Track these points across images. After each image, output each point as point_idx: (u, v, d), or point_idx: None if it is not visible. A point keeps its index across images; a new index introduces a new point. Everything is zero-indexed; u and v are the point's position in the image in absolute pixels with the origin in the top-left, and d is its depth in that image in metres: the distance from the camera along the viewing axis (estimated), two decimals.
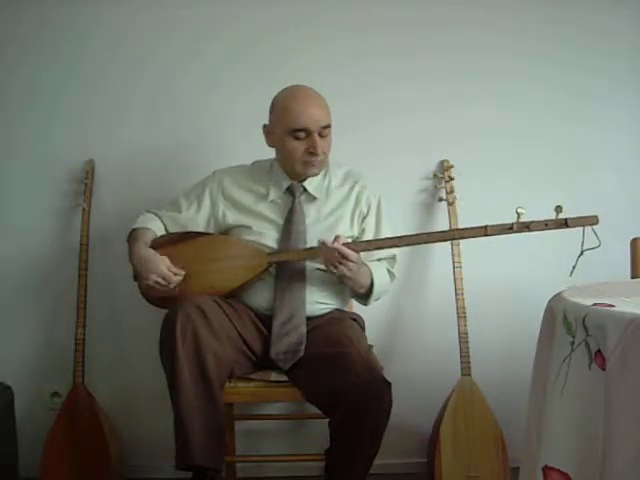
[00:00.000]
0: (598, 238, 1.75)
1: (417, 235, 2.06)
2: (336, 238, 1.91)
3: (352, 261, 1.91)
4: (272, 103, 2.07)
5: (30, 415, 2.42)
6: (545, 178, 2.48)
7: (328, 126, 2.02)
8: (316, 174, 2.08)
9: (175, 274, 1.95)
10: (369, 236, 2.11)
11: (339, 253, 1.89)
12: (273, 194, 2.10)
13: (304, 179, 2.09)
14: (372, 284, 2.04)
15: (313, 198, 2.10)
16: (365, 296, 2.08)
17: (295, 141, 2.01)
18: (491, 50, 2.46)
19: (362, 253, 1.99)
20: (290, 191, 2.09)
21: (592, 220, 1.80)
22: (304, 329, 2.00)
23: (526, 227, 1.84)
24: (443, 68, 2.45)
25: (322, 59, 2.42)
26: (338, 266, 1.90)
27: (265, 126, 2.09)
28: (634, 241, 1.98)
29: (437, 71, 2.46)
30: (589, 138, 2.50)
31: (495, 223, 1.89)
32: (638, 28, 2.50)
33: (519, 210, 1.82)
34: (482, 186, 2.45)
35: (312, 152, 2.00)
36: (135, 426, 2.47)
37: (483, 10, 2.45)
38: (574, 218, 1.81)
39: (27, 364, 2.47)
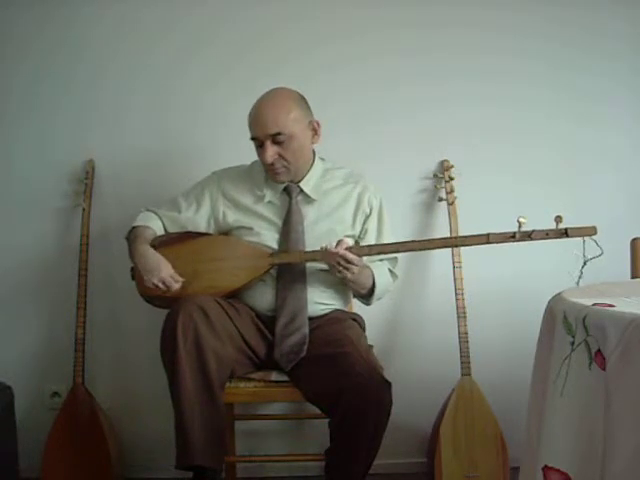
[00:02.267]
0: (600, 247, 1.76)
1: (419, 241, 2.08)
2: (339, 242, 1.92)
3: (355, 264, 1.91)
4: None
5: (30, 415, 2.42)
6: (545, 178, 2.47)
7: (278, 134, 1.96)
8: (283, 181, 2.06)
9: (176, 281, 1.96)
10: (371, 239, 2.11)
11: (342, 257, 1.90)
12: (269, 195, 2.10)
13: (301, 179, 2.09)
14: (374, 285, 2.04)
15: (311, 199, 2.10)
16: (367, 296, 2.08)
17: (257, 149, 2.03)
18: (491, 50, 2.46)
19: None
20: (287, 192, 2.09)
21: (590, 231, 1.84)
22: (307, 330, 2.00)
23: (528, 236, 1.88)
24: (443, 68, 2.45)
25: (322, 59, 2.42)
26: (341, 270, 1.91)
27: None
28: (634, 241, 1.99)
29: (437, 71, 2.46)
30: (589, 138, 2.50)
31: (495, 226, 1.90)
32: (638, 28, 2.50)
33: (521, 219, 1.83)
34: (482, 186, 2.45)
35: (264, 162, 2.01)
36: (135, 426, 2.47)
37: (483, 10, 2.45)
38: (573, 228, 1.85)
39: (27, 364, 2.48)
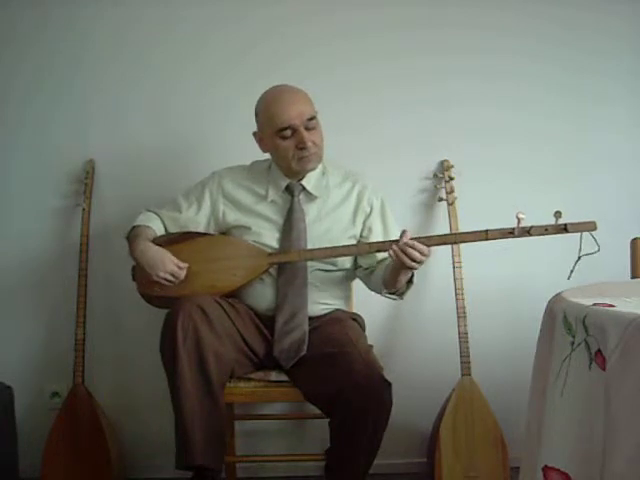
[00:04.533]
0: (597, 243, 1.76)
1: (417, 238, 2.06)
2: (403, 233, 1.87)
3: (425, 254, 1.87)
4: (255, 110, 2.07)
5: (30, 415, 2.42)
6: (545, 178, 2.48)
7: (312, 117, 2.00)
8: (314, 168, 2.06)
9: (181, 268, 1.97)
10: (377, 238, 2.10)
11: (412, 247, 1.85)
12: (272, 194, 2.10)
13: (302, 177, 2.09)
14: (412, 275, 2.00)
15: (313, 197, 2.10)
16: (404, 288, 2.02)
17: (284, 141, 2.00)
18: (491, 50, 2.46)
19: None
20: (289, 190, 2.09)
21: (590, 226, 1.82)
22: (306, 327, 2.00)
23: (526, 232, 1.86)
24: (443, 68, 2.45)
25: (322, 59, 2.42)
26: (410, 262, 1.85)
27: (255, 134, 2.09)
28: (634, 241, 1.98)
29: (437, 71, 2.45)
30: (589, 138, 2.50)
31: (495, 226, 1.89)
32: (638, 28, 2.50)
33: (519, 215, 1.82)
34: (482, 186, 2.45)
35: (302, 147, 1.99)
36: (135, 426, 2.47)
37: (483, 10, 2.45)
38: (573, 223, 1.83)
39: (27, 364, 2.48)
